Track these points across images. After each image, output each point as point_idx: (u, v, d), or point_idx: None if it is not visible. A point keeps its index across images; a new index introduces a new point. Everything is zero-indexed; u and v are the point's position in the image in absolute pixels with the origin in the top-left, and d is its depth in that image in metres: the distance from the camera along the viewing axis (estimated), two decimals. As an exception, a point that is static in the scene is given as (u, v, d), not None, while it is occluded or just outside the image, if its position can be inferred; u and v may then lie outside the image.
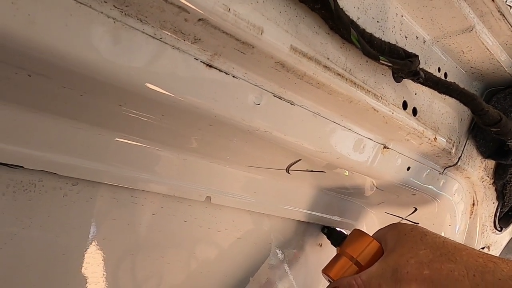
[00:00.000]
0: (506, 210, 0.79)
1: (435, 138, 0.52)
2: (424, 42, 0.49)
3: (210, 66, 0.33)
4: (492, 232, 0.80)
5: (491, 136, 0.62)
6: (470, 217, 0.73)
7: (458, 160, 0.60)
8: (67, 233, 0.42)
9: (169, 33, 0.29)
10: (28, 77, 0.28)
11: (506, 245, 0.92)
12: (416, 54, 0.43)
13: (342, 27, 0.35)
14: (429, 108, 0.52)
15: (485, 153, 0.64)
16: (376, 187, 0.62)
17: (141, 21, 0.28)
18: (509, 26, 0.49)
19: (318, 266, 0.72)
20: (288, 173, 0.54)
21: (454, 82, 0.47)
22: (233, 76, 0.34)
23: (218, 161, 0.51)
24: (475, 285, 0.37)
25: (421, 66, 0.45)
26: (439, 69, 0.52)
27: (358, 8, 0.39)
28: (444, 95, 0.49)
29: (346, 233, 0.58)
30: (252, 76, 0.36)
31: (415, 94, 0.49)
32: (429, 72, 0.45)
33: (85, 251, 0.43)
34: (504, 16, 0.48)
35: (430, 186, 0.63)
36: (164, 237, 0.50)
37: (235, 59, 0.33)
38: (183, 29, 0.29)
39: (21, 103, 0.34)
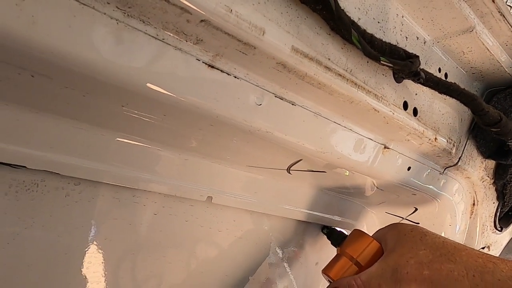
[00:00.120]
0: (506, 210, 0.79)
1: (436, 138, 0.52)
2: (424, 43, 0.49)
3: (212, 67, 0.33)
4: (492, 232, 0.80)
5: (491, 136, 0.62)
6: (470, 217, 0.73)
7: (459, 160, 0.60)
8: (69, 232, 0.42)
9: (171, 34, 0.30)
10: (31, 78, 0.29)
11: (506, 245, 0.92)
12: (417, 54, 0.43)
13: (343, 28, 0.35)
14: (430, 109, 0.52)
15: (485, 153, 0.64)
16: (377, 187, 0.62)
17: (143, 22, 0.28)
18: (509, 27, 0.49)
19: (318, 266, 0.72)
20: (289, 173, 0.54)
21: (454, 83, 0.48)
22: (235, 77, 0.35)
23: (219, 161, 0.51)
24: (475, 285, 0.38)
25: (421, 67, 0.45)
26: (439, 70, 0.53)
27: (359, 9, 0.39)
28: (445, 96, 0.49)
29: (346, 233, 0.59)
30: (254, 77, 0.36)
31: (416, 94, 0.49)
32: (430, 73, 0.46)
33: (87, 250, 0.44)
34: (504, 17, 0.48)
35: (431, 186, 0.63)
36: (166, 236, 0.50)
37: (236, 59, 0.33)
38: (185, 30, 0.29)
39: (24, 103, 0.35)
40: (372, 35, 0.39)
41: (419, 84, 0.45)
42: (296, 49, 0.33)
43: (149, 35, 0.28)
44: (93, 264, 0.44)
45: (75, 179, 0.41)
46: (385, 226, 0.50)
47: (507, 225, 0.82)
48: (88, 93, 0.32)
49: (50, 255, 0.41)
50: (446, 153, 0.57)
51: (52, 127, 0.37)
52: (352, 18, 0.38)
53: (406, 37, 0.46)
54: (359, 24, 0.39)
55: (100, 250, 0.45)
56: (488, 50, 0.52)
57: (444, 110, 0.55)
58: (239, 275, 0.61)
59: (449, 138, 0.56)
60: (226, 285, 0.59)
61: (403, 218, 0.74)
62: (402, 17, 0.45)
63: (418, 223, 0.71)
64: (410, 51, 0.44)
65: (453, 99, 0.49)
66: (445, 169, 0.63)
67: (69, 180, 0.41)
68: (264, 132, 0.39)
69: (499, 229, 0.80)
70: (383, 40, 0.41)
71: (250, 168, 0.54)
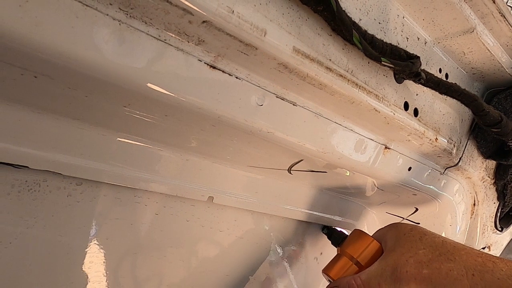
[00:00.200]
0: (506, 210, 0.79)
1: (436, 139, 0.53)
2: (425, 43, 0.49)
3: (214, 67, 0.33)
4: (493, 232, 0.80)
5: (492, 137, 0.62)
6: (471, 217, 0.73)
7: (459, 161, 0.61)
8: (71, 232, 0.42)
9: (173, 35, 0.30)
10: (34, 78, 0.29)
11: (506, 245, 0.93)
12: (418, 55, 0.44)
13: (344, 29, 0.35)
14: (430, 109, 0.52)
15: (486, 154, 0.65)
16: (377, 187, 0.62)
17: (146, 23, 0.28)
18: (510, 27, 0.49)
19: (319, 265, 0.72)
20: (290, 173, 0.54)
21: (455, 83, 0.48)
22: (236, 77, 0.35)
23: (221, 161, 0.51)
24: (474, 284, 0.38)
25: (422, 67, 0.45)
26: (440, 70, 0.53)
27: (360, 9, 0.40)
28: (445, 96, 0.49)
29: (347, 233, 0.59)
30: (255, 77, 0.36)
31: (417, 95, 0.49)
32: (430, 73, 0.46)
33: (88, 250, 0.44)
34: (505, 17, 0.48)
35: (431, 186, 0.63)
36: (167, 236, 0.50)
37: (238, 60, 0.33)
38: (187, 31, 0.29)
39: (26, 103, 0.35)
40: (373, 36, 0.39)
41: (419, 85, 0.46)
42: (298, 50, 0.33)
43: (151, 36, 0.29)
44: (94, 263, 0.44)
45: (77, 179, 0.41)
46: (385, 226, 0.50)
47: (507, 225, 0.83)
48: (90, 94, 0.32)
49: (52, 254, 0.41)
50: (446, 153, 0.57)
51: (54, 128, 0.37)
52: (353, 19, 0.38)
53: (407, 38, 0.46)
54: (360, 25, 0.39)
55: (101, 250, 0.45)
56: (489, 50, 0.52)
57: (444, 111, 0.55)
58: (239, 274, 0.61)
59: (449, 138, 0.56)
60: (227, 285, 0.59)
61: (403, 218, 0.74)
62: (403, 17, 0.45)
63: (419, 223, 0.71)
64: (411, 51, 0.44)
65: (454, 99, 0.49)
66: (445, 169, 0.63)
67: (71, 180, 0.41)
68: (265, 132, 0.39)
69: (500, 229, 0.80)
70: (384, 40, 0.41)
71: (251, 168, 0.54)
